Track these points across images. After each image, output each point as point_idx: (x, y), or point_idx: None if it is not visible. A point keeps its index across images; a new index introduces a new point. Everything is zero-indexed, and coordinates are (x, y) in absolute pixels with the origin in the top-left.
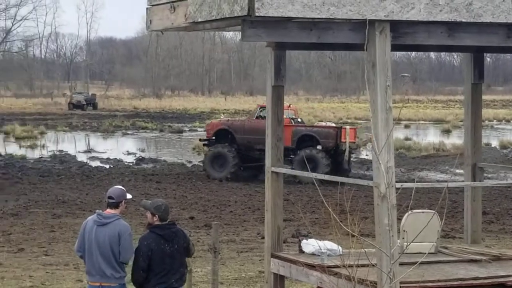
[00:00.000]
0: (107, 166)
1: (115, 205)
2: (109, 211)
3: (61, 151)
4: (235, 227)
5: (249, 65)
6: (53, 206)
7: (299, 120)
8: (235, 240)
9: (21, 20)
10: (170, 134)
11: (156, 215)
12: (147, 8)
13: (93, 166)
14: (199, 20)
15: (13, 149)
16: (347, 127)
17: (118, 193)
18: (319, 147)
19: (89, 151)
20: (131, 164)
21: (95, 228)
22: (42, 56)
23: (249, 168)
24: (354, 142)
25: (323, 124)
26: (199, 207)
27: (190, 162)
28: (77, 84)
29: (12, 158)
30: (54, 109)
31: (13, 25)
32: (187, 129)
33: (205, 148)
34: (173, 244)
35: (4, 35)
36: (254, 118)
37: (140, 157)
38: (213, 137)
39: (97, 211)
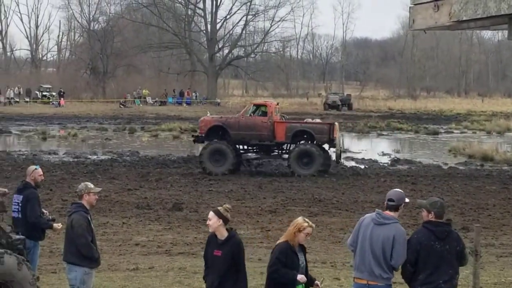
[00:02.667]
0: (362, 167)
1: (394, 208)
2: (388, 212)
3: None
4: (494, 231)
5: (507, 66)
6: (309, 204)
7: (286, 116)
8: (494, 244)
9: (279, 21)
10: (425, 135)
11: (432, 212)
12: (410, 7)
13: (348, 166)
14: (464, 18)
15: None
16: (336, 123)
17: (398, 196)
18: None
19: (344, 151)
20: (386, 165)
21: (372, 226)
22: (299, 57)
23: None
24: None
25: (318, 121)
26: (456, 210)
27: (446, 164)
28: (332, 85)
29: None
30: (309, 109)
31: (271, 26)
32: (443, 131)
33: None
34: (444, 243)
35: (263, 36)
36: (248, 115)
37: (395, 158)
38: (206, 134)
39: (377, 210)
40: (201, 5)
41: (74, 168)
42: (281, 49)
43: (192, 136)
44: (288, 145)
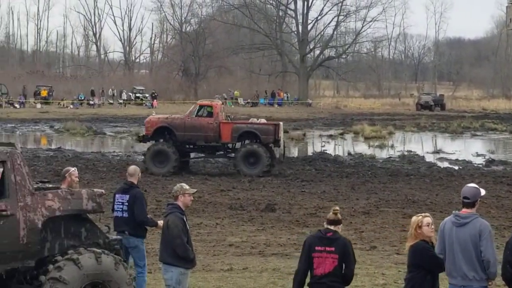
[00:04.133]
0: (456, 168)
1: (471, 205)
2: (465, 210)
3: (409, 151)
4: None
5: None
6: (403, 206)
7: (231, 117)
8: None
9: (370, 21)
10: None
11: None
12: (507, 7)
13: (442, 167)
14: None
15: (362, 148)
16: (281, 123)
17: (472, 192)
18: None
19: (437, 152)
20: (480, 165)
21: (455, 229)
22: (390, 57)
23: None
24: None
25: (263, 121)
26: None
27: None
28: (424, 85)
29: (362, 157)
30: (401, 109)
31: (362, 26)
32: None
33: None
34: None
35: (354, 36)
36: (194, 116)
37: (490, 159)
38: (151, 134)
39: (454, 212)
40: (292, 6)
41: None
42: (372, 50)
43: (138, 136)
44: (233, 144)
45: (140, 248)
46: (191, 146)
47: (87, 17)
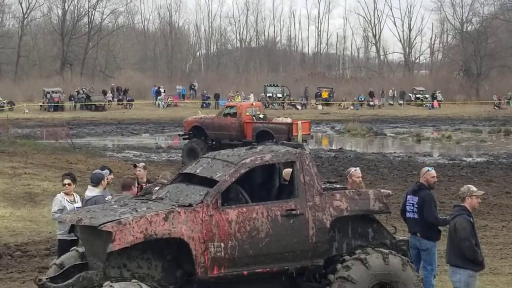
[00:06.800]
0: None
1: None
2: None
3: None
4: None
5: None
6: None
7: (261, 116)
8: None
9: None
10: None
11: None
12: None
13: None
14: None
15: None
16: (299, 122)
17: None
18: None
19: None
20: None
21: None
22: None
23: None
24: (309, 134)
25: (279, 120)
26: None
27: None
28: None
29: None
30: None
31: None
32: None
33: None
34: None
35: None
36: (222, 116)
37: None
38: (191, 132)
39: None
40: None
41: (450, 171)
42: None
43: (179, 135)
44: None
45: (431, 251)
46: (218, 144)
47: (366, 19)
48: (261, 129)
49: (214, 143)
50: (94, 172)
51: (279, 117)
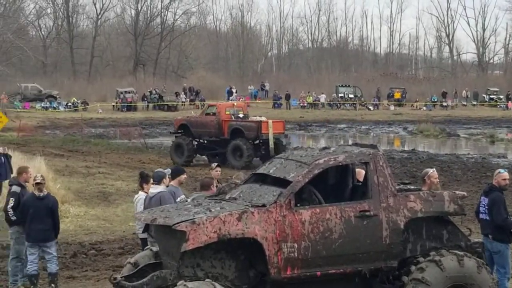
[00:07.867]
0: None
1: None
2: None
3: None
4: None
5: None
6: None
7: (240, 115)
8: None
9: None
10: None
11: None
12: None
13: None
14: None
15: None
16: (270, 121)
17: None
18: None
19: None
20: None
21: None
22: None
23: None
24: (283, 133)
25: (253, 119)
26: None
27: None
28: None
29: None
30: None
31: None
32: None
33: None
34: None
35: None
36: (204, 115)
37: None
38: (179, 130)
39: None
40: None
41: None
42: None
43: (170, 133)
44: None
45: (503, 254)
46: (200, 141)
47: (439, 19)
48: (234, 127)
49: (196, 140)
50: (155, 170)
51: (255, 116)
